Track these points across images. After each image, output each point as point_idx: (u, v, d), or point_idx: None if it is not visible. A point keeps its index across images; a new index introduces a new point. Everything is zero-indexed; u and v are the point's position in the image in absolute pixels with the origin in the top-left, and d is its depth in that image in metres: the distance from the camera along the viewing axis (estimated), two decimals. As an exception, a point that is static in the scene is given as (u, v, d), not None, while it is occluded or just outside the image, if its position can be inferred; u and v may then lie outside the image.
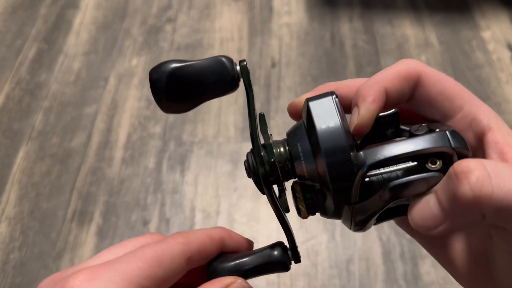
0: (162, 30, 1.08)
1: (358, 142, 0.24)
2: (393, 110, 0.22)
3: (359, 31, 1.06)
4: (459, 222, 0.19)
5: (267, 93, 0.95)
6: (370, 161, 0.21)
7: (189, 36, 1.06)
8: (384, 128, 0.23)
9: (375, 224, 0.25)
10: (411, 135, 0.22)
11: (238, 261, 0.25)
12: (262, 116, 0.25)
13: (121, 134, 0.90)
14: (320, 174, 0.22)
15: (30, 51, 1.04)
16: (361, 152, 0.21)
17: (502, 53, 1.01)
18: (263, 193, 0.24)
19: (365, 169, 0.21)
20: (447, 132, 0.21)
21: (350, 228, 0.24)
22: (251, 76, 0.23)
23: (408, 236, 0.76)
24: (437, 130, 0.22)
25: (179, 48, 1.04)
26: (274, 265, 0.25)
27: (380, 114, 0.22)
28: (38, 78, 0.99)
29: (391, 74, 0.23)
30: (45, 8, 1.13)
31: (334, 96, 0.22)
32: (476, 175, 0.18)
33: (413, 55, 1.01)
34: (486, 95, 0.94)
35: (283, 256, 0.25)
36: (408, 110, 0.25)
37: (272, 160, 0.23)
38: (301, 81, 0.97)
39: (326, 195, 0.23)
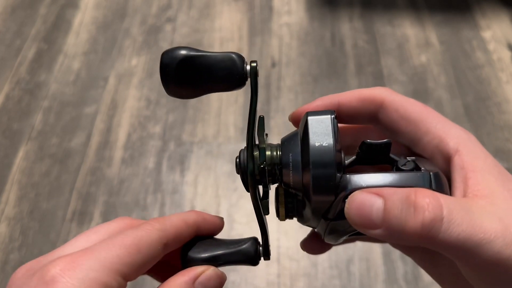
0: (162, 30, 1.08)
1: (346, 162, 0.24)
2: (385, 140, 0.23)
3: (359, 31, 1.06)
4: (392, 239, 0.20)
5: (267, 93, 0.95)
6: (353, 186, 0.22)
7: (189, 36, 1.06)
8: (374, 154, 0.24)
9: (348, 238, 0.26)
10: (397, 169, 0.23)
11: (211, 253, 0.26)
12: (261, 119, 0.25)
13: (121, 134, 0.90)
14: (304, 184, 0.23)
15: (29, 51, 1.04)
16: (347, 175, 0.22)
17: (503, 53, 1.01)
18: (248, 190, 0.25)
19: (347, 192, 0.22)
20: (431, 173, 0.22)
21: (323, 237, 0.25)
22: (258, 77, 0.24)
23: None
24: (423, 169, 0.22)
25: (179, 48, 1.04)
26: (245, 258, 0.26)
27: (372, 141, 0.23)
28: (37, 78, 0.99)
29: (353, 94, 0.26)
30: (45, 8, 1.13)
31: (333, 116, 0.23)
32: (431, 217, 0.19)
33: (413, 55, 1.01)
34: (486, 95, 0.94)
35: (254, 251, 0.26)
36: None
37: (262, 166, 0.24)
38: (301, 81, 0.97)
39: (306, 205, 0.24)
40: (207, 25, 1.08)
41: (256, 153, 0.24)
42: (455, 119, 0.88)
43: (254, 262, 0.26)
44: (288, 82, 0.97)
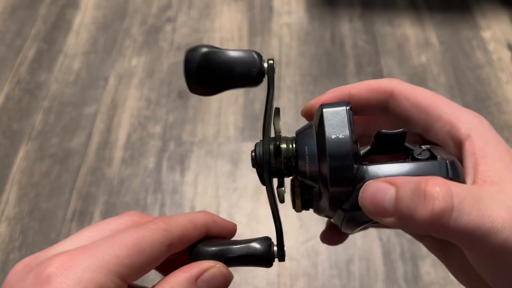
0: (162, 30, 1.08)
1: (361, 153, 0.25)
2: (401, 130, 0.23)
3: (359, 31, 1.06)
4: (404, 227, 0.20)
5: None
6: (371, 176, 0.22)
7: (189, 36, 1.06)
8: (389, 144, 0.24)
9: (362, 228, 0.26)
10: (413, 159, 0.23)
11: (221, 247, 0.25)
12: (277, 109, 0.26)
13: (121, 134, 0.90)
14: (322, 175, 0.23)
15: (30, 51, 1.04)
16: (364, 166, 0.22)
17: (503, 53, 1.01)
18: (263, 184, 0.25)
19: (365, 183, 0.22)
20: (447, 161, 0.22)
21: (339, 227, 0.25)
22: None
23: (408, 236, 0.76)
24: (439, 157, 0.22)
25: (179, 48, 1.04)
26: (258, 258, 0.25)
27: (387, 131, 0.23)
28: (38, 78, 0.99)
29: (362, 85, 0.26)
30: (45, 8, 1.13)
31: (348, 108, 0.23)
32: (441, 207, 0.19)
33: (413, 55, 1.01)
34: (486, 95, 0.94)
35: (268, 252, 0.25)
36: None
37: (278, 143, 0.24)
38: (301, 81, 0.97)
39: (322, 196, 0.23)
40: (207, 25, 1.08)
41: (271, 146, 0.24)
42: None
43: (267, 263, 0.25)
44: (288, 82, 0.97)
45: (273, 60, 0.24)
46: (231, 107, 0.93)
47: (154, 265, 0.23)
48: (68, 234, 0.77)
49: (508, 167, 0.21)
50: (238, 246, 0.25)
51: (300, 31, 1.06)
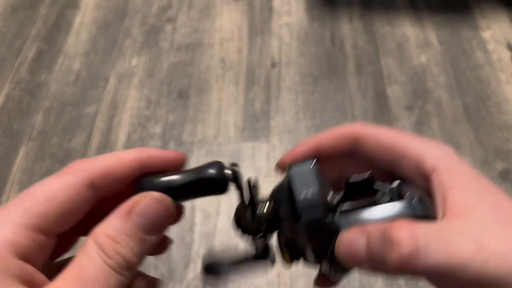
0: (162, 30, 1.08)
1: (335, 201, 0.25)
2: (367, 176, 0.24)
3: (359, 31, 1.06)
4: (379, 271, 0.21)
5: (267, 93, 0.95)
6: (344, 226, 0.23)
7: (189, 36, 1.06)
8: (359, 190, 0.25)
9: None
10: (376, 202, 0.24)
11: (166, 178, 0.23)
12: (255, 183, 0.27)
13: (121, 134, 0.90)
14: (299, 234, 0.24)
15: (30, 51, 1.04)
16: (337, 216, 0.23)
17: (502, 53, 1.01)
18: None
19: (340, 232, 0.23)
20: (413, 201, 0.23)
21: (329, 275, 0.26)
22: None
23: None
24: (407, 194, 0.23)
25: (179, 48, 1.04)
26: (209, 182, 0.24)
27: (355, 180, 0.24)
28: (38, 78, 0.99)
29: (328, 134, 0.27)
30: (45, 8, 1.13)
31: (314, 166, 0.24)
32: (408, 250, 0.19)
33: (413, 55, 1.01)
34: (486, 95, 0.94)
35: (220, 174, 0.24)
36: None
37: (256, 210, 0.26)
38: (301, 81, 0.97)
39: (306, 250, 0.24)
40: (207, 25, 1.08)
41: (249, 213, 0.26)
42: (455, 119, 0.88)
43: (221, 187, 0.25)
44: (288, 82, 0.97)
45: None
46: (231, 107, 0.93)
47: (81, 209, 0.21)
48: (68, 234, 0.77)
49: (475, 194, 0.22)
50: (185, 174, 0.24)
51: (300, 31, 1.06)
